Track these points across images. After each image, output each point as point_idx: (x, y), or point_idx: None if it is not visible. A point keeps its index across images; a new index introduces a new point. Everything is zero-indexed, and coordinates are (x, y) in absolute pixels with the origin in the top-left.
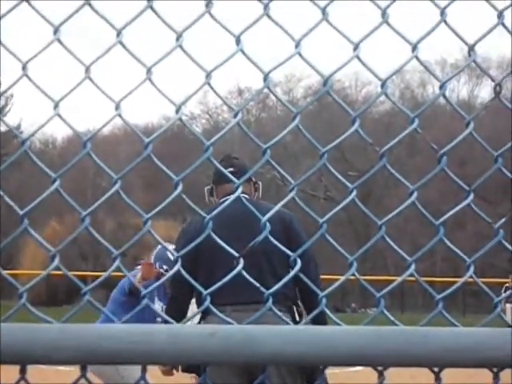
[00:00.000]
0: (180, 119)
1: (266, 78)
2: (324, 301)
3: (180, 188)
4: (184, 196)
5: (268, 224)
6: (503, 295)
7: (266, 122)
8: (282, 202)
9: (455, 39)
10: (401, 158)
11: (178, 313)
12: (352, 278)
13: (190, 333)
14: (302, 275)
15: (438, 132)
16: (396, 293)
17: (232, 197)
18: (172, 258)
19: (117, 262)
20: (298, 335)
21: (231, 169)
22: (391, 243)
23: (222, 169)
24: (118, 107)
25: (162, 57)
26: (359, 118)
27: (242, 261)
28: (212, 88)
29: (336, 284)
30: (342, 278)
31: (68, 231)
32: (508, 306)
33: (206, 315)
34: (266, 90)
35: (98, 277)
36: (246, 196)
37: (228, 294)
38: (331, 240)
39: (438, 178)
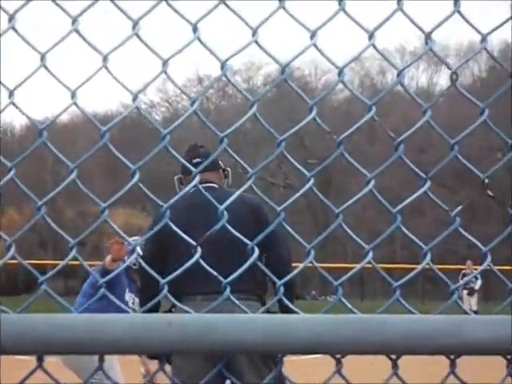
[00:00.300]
0: (137, 108)
1: (223, 66)
2: (282, 289)
3: (137, 177)
4: (141, 185)
5: (225, 213)
6: (460, 282)
7: (225, 110)
8: (241, 190)
9: (414, 27)
10: (360, 145)
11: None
12: (311, 265)
13: (148, 322)
14: (273, 260)
15: (397, 119)
16: (356, 280)
17: (187, 187)
18: (136, 249)
19: (73, 252)
20: (255, 323)
21: (198, 159)
22: (348, 231)
23: (179, 157)
24: (73, 95)
25: (118, 45)
26: (317, 106)
27: (199, 249)
28: (168, 76)
29: (295, 272)
30: (300, 266)
31: (26, 220)
32: (465, 292)
33: (174, 305)
34: (225, 78)
35: (57, 265)
36: (214, 185)
37: (199, 284)
38: (289, 228)
39: (397, 165)
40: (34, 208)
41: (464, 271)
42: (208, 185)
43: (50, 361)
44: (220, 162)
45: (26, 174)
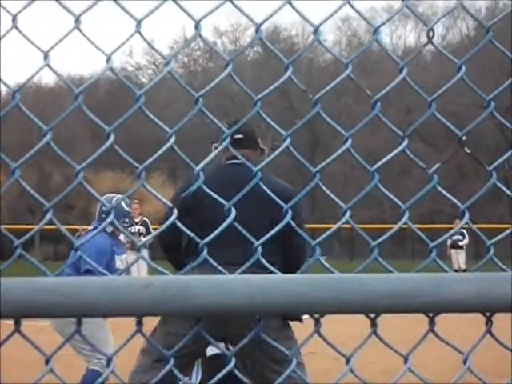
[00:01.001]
0: (111, 69)
1: (197, 25)
2: (259, 250)
3: (112, 138)
4: (117, 147)
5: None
6: (439, 240)
7: (213, 72)
8: (264, 163)
9: None
10: (348, 106)
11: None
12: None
13: (124, 285)
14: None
15: (385, 78)
16: (346, 240)
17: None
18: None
19: (48, 215)
20: (232, 285)
21: (240, 135)
22: (326, 191)
23: (154, 118)
24: (46, 57)
25: (91, 5)
26: (293, 65)
27: (233, 211)
28: (142, 36)
29: (269, 234)
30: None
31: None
32: (453, 251)
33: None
34: (213, 39)
35: (44, 230)
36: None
37: (222, 253)
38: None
39: (383, 124)
40: (22, 172)
41: (453, 230)
42: (245, 152)
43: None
44: (259, 141)
45: (12, 138)
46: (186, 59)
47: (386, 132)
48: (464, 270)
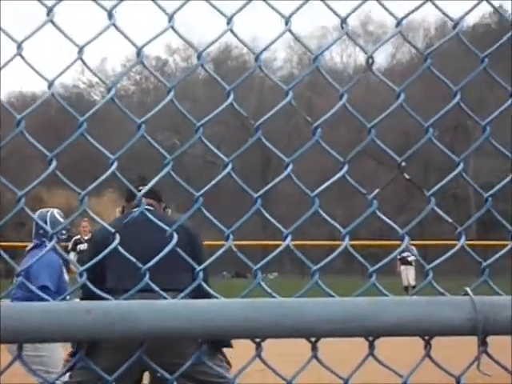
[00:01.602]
0: (52, 94)
1: (139, 53)
2: (201, 275)
3: (54, 164)
4: (58, 172)
5: (175, 234)
6: (381, 264)
7: (164, 90)
8: (187, 215)
9: (350, 6)
10: (299, 125)
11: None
12: (251, 243)
13: (66, 310)
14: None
15: (335, 99)
16: (297, 257)
17: (136, 210)
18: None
19: None
20: (173, 309)
21: (143, 187)
22: (265, 213)
23: (97, 145)
24: None
25: (33, 31)
26: (234, 92)
27: (117, 236)
28: (84, 62)
29: (217, 253)
30: (222, 251)
31: None
32: (403, 267)
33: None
34: (165, 57)
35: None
36: (153, 208)
37: (133, 281)
38: (206, 215)
39: (334, 144)
40: None
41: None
42: (149, 207)
43: None
44: (162, 198)
45: None
46: (138, 77)
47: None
48: (413, 287)
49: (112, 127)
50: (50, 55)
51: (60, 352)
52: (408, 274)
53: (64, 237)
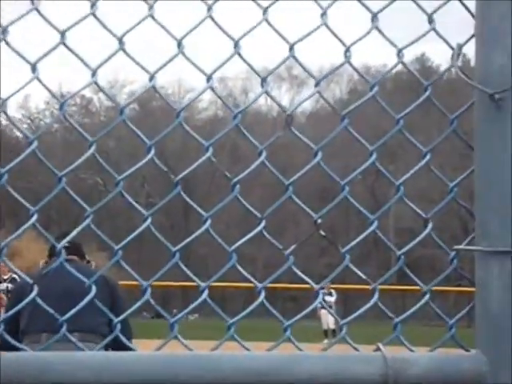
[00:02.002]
0: None
1: (62, 106)
2: (118, 326)
3: None
4: None
5: (94, 284)
6: (293, 320)
7: (89, 128)
8: (106, 268)
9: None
10: (224, 164)
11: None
12: (171, 284)
13: None
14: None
15: (262, 139)
16: (217, 298)
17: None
18: None
19: None
20: (91, 361)
21: (68, 244)
22: (184, 268)
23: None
24: None
25: None
26: (156, 145)
27: (35, 287)
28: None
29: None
30: (140, 303)
31: None
32: (323, 311)
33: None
34: (90, 95)
35: None
36: (75, 260)
37: (46, 323)
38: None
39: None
40: None
41: (323, 290)
42: (71, 257)
43: None
44: (85, 254)
45: None
46: (61, 116)
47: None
48: (333, 330)
49: (34, 164)
50: None
51: None
52: (328, 318)
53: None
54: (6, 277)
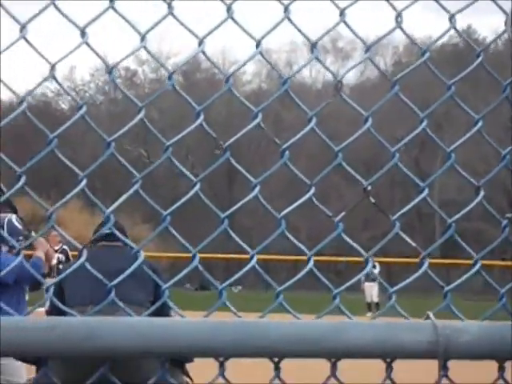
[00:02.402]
0: (25, 111)
1: (111, 71)
2: (167, 293)
3: (23, 180)
4: (28, 188)
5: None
6: (342, 287)
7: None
8: (155, 234)
9: (320, 23)
10: (265, 138)
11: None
12: (215, 256)
13: (31, 326)
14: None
15: (304, 114)
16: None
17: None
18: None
19: None
20: (138, 328)
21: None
22: (232, 234)
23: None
24: None
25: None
26: (205, 110)
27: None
28: (57, 81)
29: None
30: (188, 270)
31: None
32: (367, 284)
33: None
34: (133, 67)
35: None
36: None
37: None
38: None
39: (305, 155)
40: None
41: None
42: (116, 244)
43: None
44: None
45: None
46: (106, 87)
47: (305, 161)
48: (377, 303)
49: (80, 135)
50: (18, 67)
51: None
52: (372, 291)
53: (21, 242)
54: (56, 247)
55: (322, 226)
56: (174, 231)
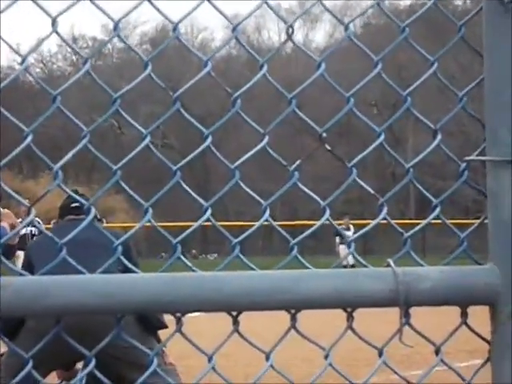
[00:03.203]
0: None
1: (115, 27)
2: (120, 248)
3: (30, 138)
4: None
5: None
6: (302, 236)
7: (102, 70)
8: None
9: None
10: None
11: None
12: (208, 223)
13: None
14: None
15: (278, 74)
16: (254, 236)
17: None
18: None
19: None
20: (92, 284)
21: (76, 204)
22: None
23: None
24: None
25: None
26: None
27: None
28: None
29: (191, 228)
30: (197, 224)
31: None
32: (341, 247)
33: None
34: (101, 37)
35: None
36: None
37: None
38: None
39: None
40: None
41: (341, 226)
42: (83, 217)
43: None
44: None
45: None
46: (74, 57)
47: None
48: (352, 266)
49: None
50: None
51: None
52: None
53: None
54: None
55: (297, 192)
56: (127, 186)
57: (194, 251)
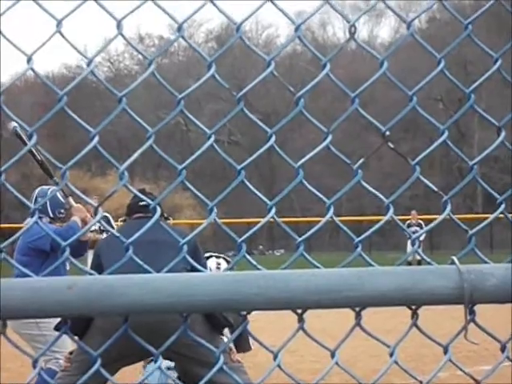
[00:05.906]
0: (92, 71)
1: (179, 28)
2: (185, 247)
3: (96, 139)
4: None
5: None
6: (366, 235)
7: (167, 68)
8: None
9: None
10: (305, 99)
11: None
12: (272, 220)
13: (48, 286)
14: None
15: (342, 71)
16: (303, 233)
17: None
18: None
19: None
20: (157, 283)
21: (144, 202)
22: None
23: (135, 117)
24: (29, 60)
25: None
26: (273, 62)
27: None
28: (125, 38)
29: (256, 228)
30: (263, 221)
31: None
32: (408, 243)
33: None
34: (167, 35)
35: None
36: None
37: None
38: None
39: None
40: None
41: (408, 222)
42: (150, 215)
43: None
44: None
45: None
46: (141, 57)
47: (343, 125)
48: (419, 262)
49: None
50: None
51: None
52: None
53: (63, 216)
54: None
55: (362, 188)
56: (194, 189)
57: (261, 247)
